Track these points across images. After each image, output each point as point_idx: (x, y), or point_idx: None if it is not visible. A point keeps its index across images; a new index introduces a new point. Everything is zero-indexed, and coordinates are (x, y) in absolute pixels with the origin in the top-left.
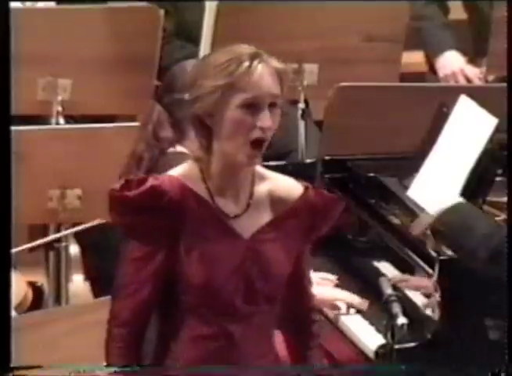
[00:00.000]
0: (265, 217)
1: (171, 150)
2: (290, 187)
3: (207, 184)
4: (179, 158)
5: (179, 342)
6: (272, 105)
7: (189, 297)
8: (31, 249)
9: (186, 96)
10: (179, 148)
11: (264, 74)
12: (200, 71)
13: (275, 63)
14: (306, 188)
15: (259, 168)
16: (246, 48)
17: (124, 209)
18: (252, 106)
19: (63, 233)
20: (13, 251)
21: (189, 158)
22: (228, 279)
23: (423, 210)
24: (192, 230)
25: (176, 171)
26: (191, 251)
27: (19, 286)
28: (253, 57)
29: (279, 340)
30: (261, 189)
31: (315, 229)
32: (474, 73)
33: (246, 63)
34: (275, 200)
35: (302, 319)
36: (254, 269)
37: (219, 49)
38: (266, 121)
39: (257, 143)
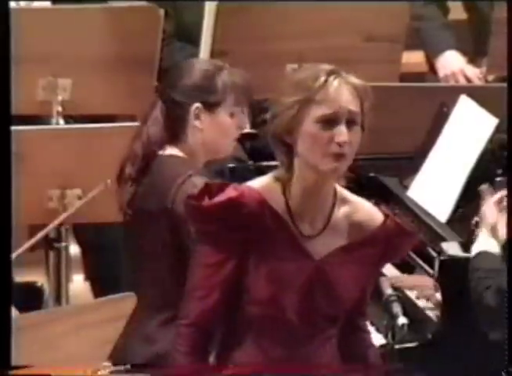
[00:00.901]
0: (340, 241)
1: (160, 152)
2: (371, 214)
3: (287, 201)
4: (170, 161)
5: (241, 352)
6: (350, 122)
7: (253, 309)
8: (31, 249)
9: (185, 99)
10: (169, 150)
11: (341, 89)
12: (278, 90)
13: (354, 80)
14: (386, 216)
15: (342, 190)
16: (324, 66)
17: (199, 217)
18: (329, 122)
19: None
20: (14, 255)
21: (179, 160)
22: (292, 298)
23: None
24: (264, 245)
25: (258, 183)
26: (260, 265)
27: None
28: (330, 73)
29: None
30: (341, 212)
31: (386, 258)
32: (474, 73)
33: (323, 78)
34: (353, 225)
35: (355, 337)
36: (319, 291)
37: (298, 69)
38: (343, 135)
39: (336, 157)
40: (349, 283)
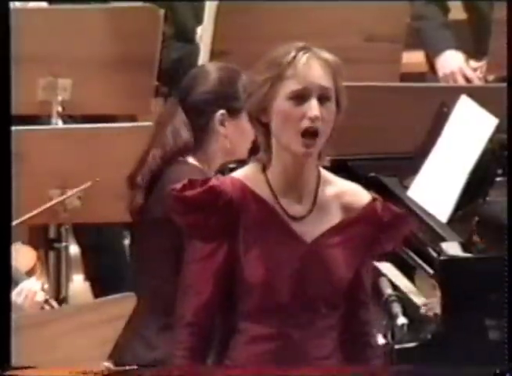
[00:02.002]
0: (330, 221)
1: (179, 158)
2: (358, 194)
3: (269, 185)
4: (180, 168)
5: (238, 343)
6: (323, 97)
7: (248, 297)
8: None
9: (209, 107)
10: (189, 159)
11: (311, 64)
12: (253, 70)
13: (325, 55)
14: (374, 199)
15: (325, 172)
16: (297, 43)
17: (184, 209)
18: (300, 97)
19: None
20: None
21: (189, 168)
22: (286, 281)
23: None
24: (252, 231)
25: (239, 173)
26: (250, 251)
27: (28, 256)
28: (300, 49)
29: None
30: (327, 192)
31: (379, 243)
32: (474, 73)
33: (292, 54)
34: (341, 205)
35: (358, 332)
36: (314, 273)
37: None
38: (313, 110)
39: (308, 133)
40: (342, 264)
